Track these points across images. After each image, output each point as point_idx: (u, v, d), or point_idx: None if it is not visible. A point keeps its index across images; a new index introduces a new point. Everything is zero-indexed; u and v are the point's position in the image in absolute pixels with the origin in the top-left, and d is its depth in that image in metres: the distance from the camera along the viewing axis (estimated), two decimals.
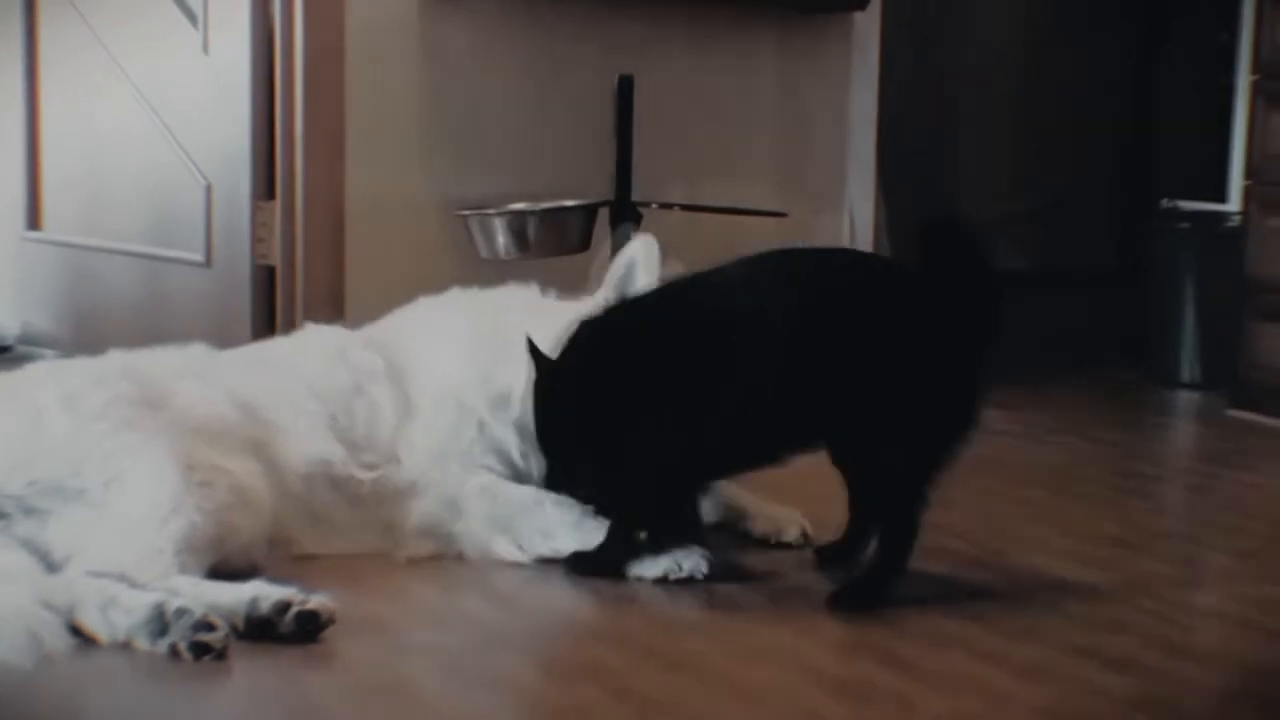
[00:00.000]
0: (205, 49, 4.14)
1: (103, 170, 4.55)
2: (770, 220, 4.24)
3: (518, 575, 2.65)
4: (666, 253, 2.78)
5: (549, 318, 2.74)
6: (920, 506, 2.48)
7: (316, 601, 2.25)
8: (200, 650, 2.14)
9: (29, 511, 2.38)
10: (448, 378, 2.82)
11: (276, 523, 2.57)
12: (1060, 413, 4.32)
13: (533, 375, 2.65)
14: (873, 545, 2.56)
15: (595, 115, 4.24)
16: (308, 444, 2.68)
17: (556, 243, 3.97)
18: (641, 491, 2.60)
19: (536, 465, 2.76)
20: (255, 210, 4.01)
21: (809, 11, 4.56)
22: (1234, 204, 4.87)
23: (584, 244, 4.02)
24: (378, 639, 2.30)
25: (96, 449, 2.41)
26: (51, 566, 2.32)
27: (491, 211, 4.00)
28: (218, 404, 2.63)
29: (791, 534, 2.84)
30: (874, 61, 4.71)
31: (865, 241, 4.72)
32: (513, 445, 2.77)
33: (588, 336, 2.61)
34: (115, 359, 2.69)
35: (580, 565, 2.62)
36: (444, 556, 2.70)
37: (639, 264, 2.76)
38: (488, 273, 3.22)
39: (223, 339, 3.00)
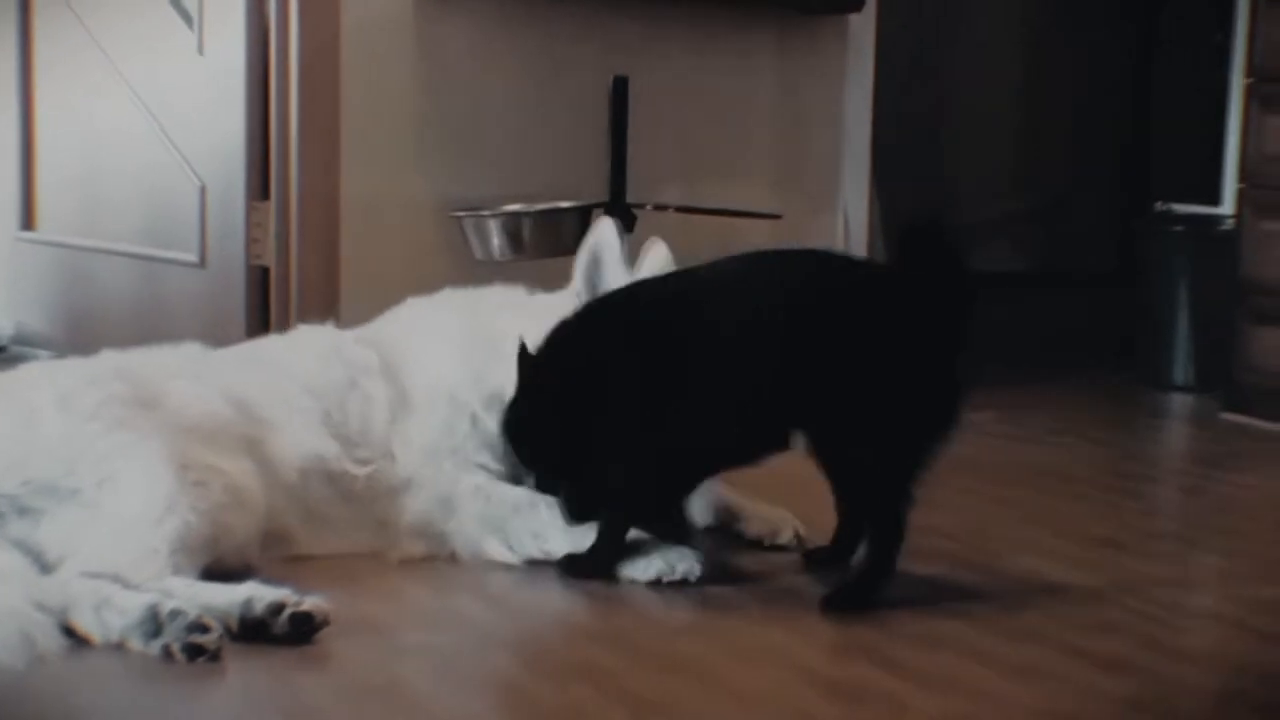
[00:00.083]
0: (200, 50, 4.14)
1: (97, 171, 4.55)
2: (765, 221, 4.24)
3: (511, 576, 2.65)
4: (630, 244, 2.82)
5: (539, 316, 2.75)
6: (905, 505, 2.48)
7: (311, 603, 2.25)
8: (194, 651, 2.14)
9: (22, 511, 2.38)
10: (441, 375, 2.82)
11: (271, 520, 2.57)
12: (1054, 414, 4.32)
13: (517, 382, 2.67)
14: (863, 547, 2.57)
15: (591, 116, 4.25)
16: (302, 440, 2.68)
17: (551, 244, 3.97)
18: (626, 492, 2.60)
19: None
20: (250, 211, 4.01)
21: (805, 13, 4.56)
22: (1228, 207, 4.87)
23: (579, 245, 4.00)
24: (372, 640, 2.30)
25: (90, 449, 2.41)
26: (45, 567, 2.32)
27: (486, 213, 4.00)
28: (211, 403, 2.63)
29: (785, 535, 2.84)
30: (869, 63, 4.71)
31: (860, 242, 4.72)
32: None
33: (563, 340, 2.62)
34: (108, 359, 2.69)
35: (572, 567, 2.62)
36: (437, 558, 2.70)
37: (602, 250, 2.80)
38: (482, 274, 3.22)
39: (217, 339, 3.00)
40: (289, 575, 2.41)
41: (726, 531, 2.88)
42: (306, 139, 3.94)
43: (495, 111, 4.18)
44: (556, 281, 2.96)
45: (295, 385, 2.75)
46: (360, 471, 2.72)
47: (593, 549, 2.61)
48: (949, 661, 2.27)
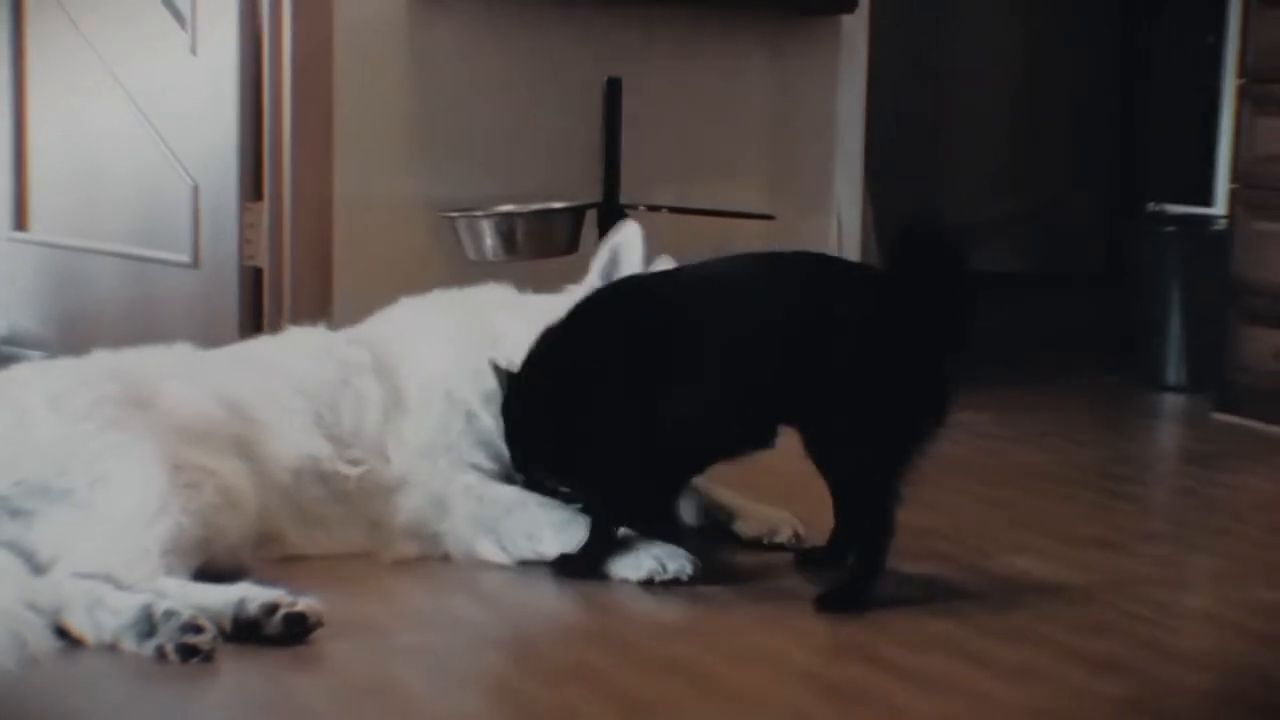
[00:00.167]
0: (193, 50, 4.13)
1: (90, 171, 4.54)
2: (758, 222, 4.24)
3: (504, 576, 2.65)
4: (652, 247, 2.81)
5: (532, 314, 2.76)
6: (892, 502, 2.48)
7: (304, 603, 2.25)
8: (187, 652, 2.14)
9: (15, 513, 2.38)
10: (436, 373, 2.82)
11: (263, 520, 2.56)
12: (1046, 415, 4.32)
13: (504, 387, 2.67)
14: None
15: (584, 117, 4.25)
16: (294, 441, 2.68)
17: (544, 245, 3.98)
18: (617, 491, 2.61)
19: None
20: (243, 211, 4.01)
21: (797, 14, 4.56)
22: (1220, 207, 4.88)
23: (571, 246, 4.02)
24: (365, 640, 2.30)
25: (82, 449, 2.41)
26: (37, 568, 2.31)
27: (479, 213, 4.00)
28: (203, 403, 2.62)
29: (783, 535, 2.84)
30: (862, 64, 4.71)
31: (853, 243, 4.72)
32: (501, 439, 2.77)
33: (553, 338, 2.63)
34: (100, 359, 2.69)
35: (564, 567, 2.63)
36: (430, 558, 2.70)
37: (623, 251, 2.79)
38: (475, 274, 3.22)
39: (210, 340, 3.00)
40: (282, 576, 2.41)
41: (725, 531, 2.87)
42: (299, 140, 3.94)
43: (488, 112, 4.18)
44: (549, 282, 2.96)
45: (287, 385, 2.75)
46: (353, 471, 2.72)
47: (584, 548, 2.61)
48: (942, 662, 2.27)
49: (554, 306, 2.72)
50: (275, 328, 3.61)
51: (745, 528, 2.87)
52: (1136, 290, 4.81)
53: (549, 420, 2.61)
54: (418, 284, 3.07)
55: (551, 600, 2.58)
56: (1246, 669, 2.35)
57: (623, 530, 2.63)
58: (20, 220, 4.80)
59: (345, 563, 2.64)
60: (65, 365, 2.69)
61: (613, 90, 4.20)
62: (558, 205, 4.05)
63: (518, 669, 2.30)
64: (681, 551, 2.61)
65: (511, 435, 2.67)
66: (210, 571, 2.36)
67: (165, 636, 2.15)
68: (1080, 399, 4.64)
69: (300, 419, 2.71)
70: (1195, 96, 5.21)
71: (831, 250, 4.55)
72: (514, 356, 2.69)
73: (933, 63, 5.48)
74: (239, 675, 2.14)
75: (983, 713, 2.09)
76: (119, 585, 2.23)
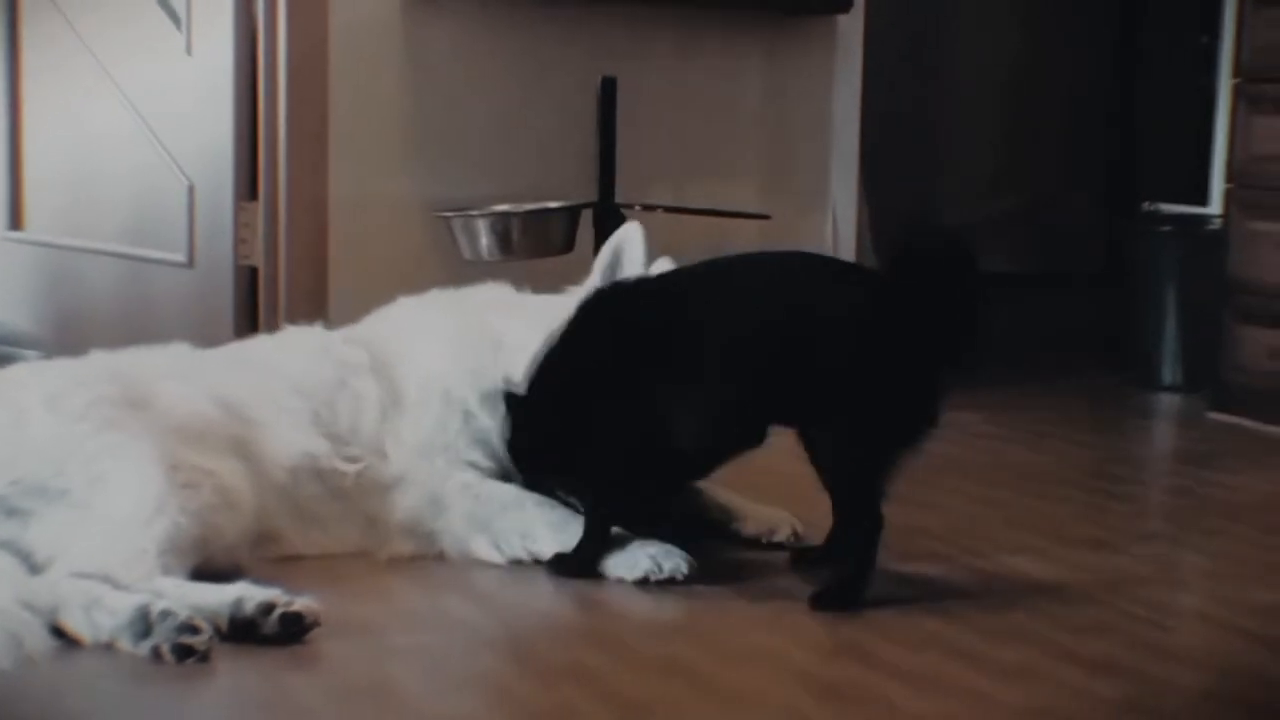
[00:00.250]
0: (189, 50, 4.13)
1: (85, 171, 4.54)
2: (754, 222, 4.24)
3: (500, 576, 2.65)
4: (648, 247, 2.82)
5: (530, 314, 2.76)
6: (879, 498, 2.48)
7: (301, 603, 2.25)
8: (184, 652, 2.14)
9: (11, 512, 2.37)
10: (434, 372, 2.82)
11: (260, 518, 2.56)
12: (1041, 415, 4.32)
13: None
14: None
15: (579, 117, 4.24)
16: (291, 440, 2.68)
17: (540, 244, 3.98)
18: (612, 491, 2.61)
19: None
20: (238, 211, 4.01)
21: (793, 14, 4.56)
22: (1215, 207, 4.88)
23: (567, 246, 4.02)
24: (361, 640, 2.30)
25: (79, 449, 2.41)
26: (34, 568, 2.31)
27: (475, 213, 4.00)
28: (200, 403, 2.62)
29: (782, 534, 2.84)
30: (858, 63, 4.71)
31: (848, 243, 4.72)
32: (498, 438, 2.78)
33: (556, 340, 2.64)
34: (97, 359, 2.69)
35: (560, 566, 2.63)
36: (426, 557, 2.70)
37: (625, 251, 2.79)
38: (470, 274, 3.22)
39: (205, 339, 3.00)
40: (279, 575, 2.41)
41: (724, 531, 2.87)
42: (295, 139, 3.94)
43: (483, 112, 4.18)
44: (545, 281, 2.96)
45: (284, 385, 2.75)
46: (350, 468, 2.72)
47: (579, 548, 2.61)
48: (939, 662, 2.27)
49: (553, 306, 2.72)
50: (271, 327, 3.62)
51: (744, 527, 2.87)
52: (1132, 290, 4.82)
53: (550, 420, 2.61)
54: (413, 284, 3.07)
55: (547, 600, 2.58)
56: (1242, 669, 2.35)
57: (617, 529, 2.63)
58: (16, 220, 4.80)
59: (342, 562, 2.64)
60: (62, 365, 2.69)
61: (608, 90, 4.20)
62: (553, 205, 4.05)
63: (514, 669, 2.30)
64: (677, 551, 2.61)
65: (513, 435, 2.67)
66: (207, 571, 2.36)
67: (161, 636, 2.15)
68: (1075, 399, 4.65)
69: (297, 418, 2.71)
70: (1190, 96, 5.22)
71: (827, 250, 4.55)
72: (514, 357, 2.70)
73: (928, 62, 5.49)
74: (236, 675, 2.14)
75: (979, 712, 2.09)
76: (116, 585, 2.22)
